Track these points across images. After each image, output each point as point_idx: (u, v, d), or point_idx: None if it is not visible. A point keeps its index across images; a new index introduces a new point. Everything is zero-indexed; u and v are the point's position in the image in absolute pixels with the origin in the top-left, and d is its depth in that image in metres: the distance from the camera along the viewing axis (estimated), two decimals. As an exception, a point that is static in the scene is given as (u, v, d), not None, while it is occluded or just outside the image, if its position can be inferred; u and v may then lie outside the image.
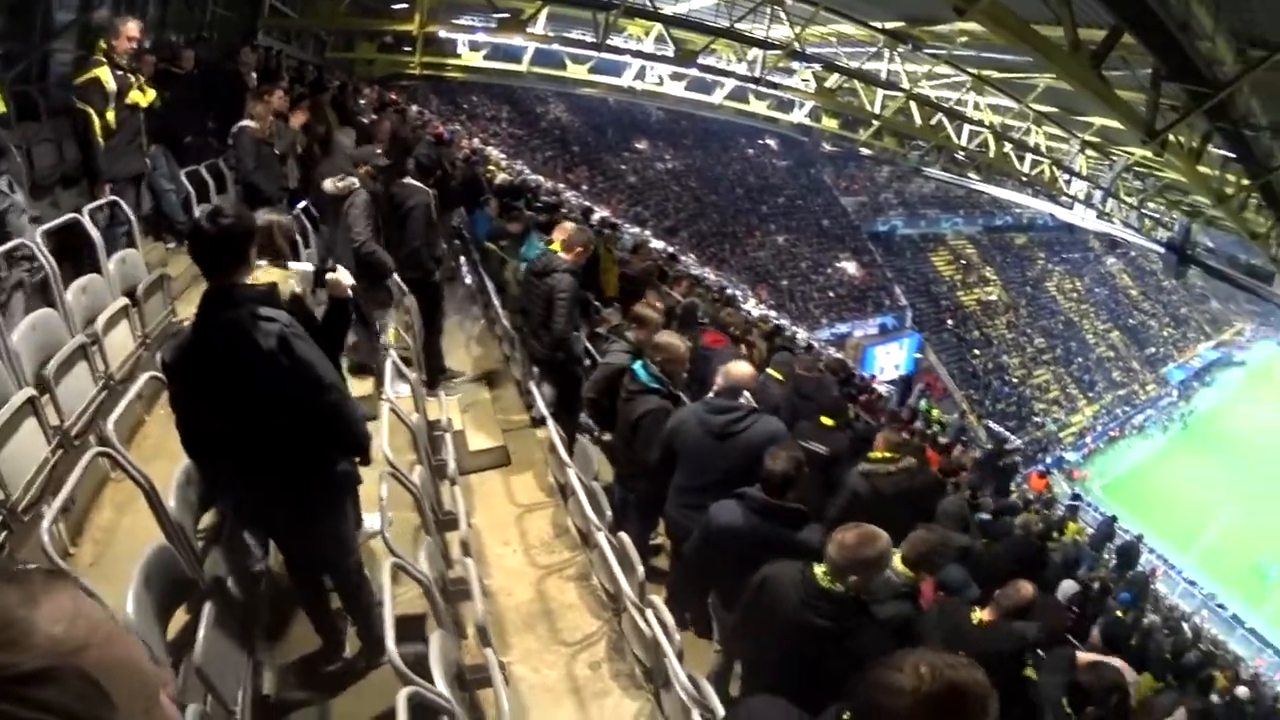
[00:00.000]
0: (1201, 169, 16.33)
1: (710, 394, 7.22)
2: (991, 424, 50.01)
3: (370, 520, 5.86)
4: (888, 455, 8.62)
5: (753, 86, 31.35)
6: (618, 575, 6.08)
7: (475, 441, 9.27)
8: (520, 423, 10.11)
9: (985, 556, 10.03)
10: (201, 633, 4.14)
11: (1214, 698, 15.71)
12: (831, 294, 53.07)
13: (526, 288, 9.63)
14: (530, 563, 7.67)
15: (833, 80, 29.11)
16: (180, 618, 4.67)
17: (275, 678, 5.45)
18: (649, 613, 5.62)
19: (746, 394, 7.23)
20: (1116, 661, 7.33)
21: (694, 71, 31.33)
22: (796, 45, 25.88)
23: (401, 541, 5.46)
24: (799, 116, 38.02)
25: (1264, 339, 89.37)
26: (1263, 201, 20.56)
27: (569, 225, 10.89)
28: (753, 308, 35.95)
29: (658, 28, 27.41)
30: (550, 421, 8.23)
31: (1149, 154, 20.23)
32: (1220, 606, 40.97)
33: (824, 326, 49.71)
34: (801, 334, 38.52)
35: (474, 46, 33.01)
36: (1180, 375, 72.45)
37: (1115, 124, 19.94)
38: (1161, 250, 30.89)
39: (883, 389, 36.08)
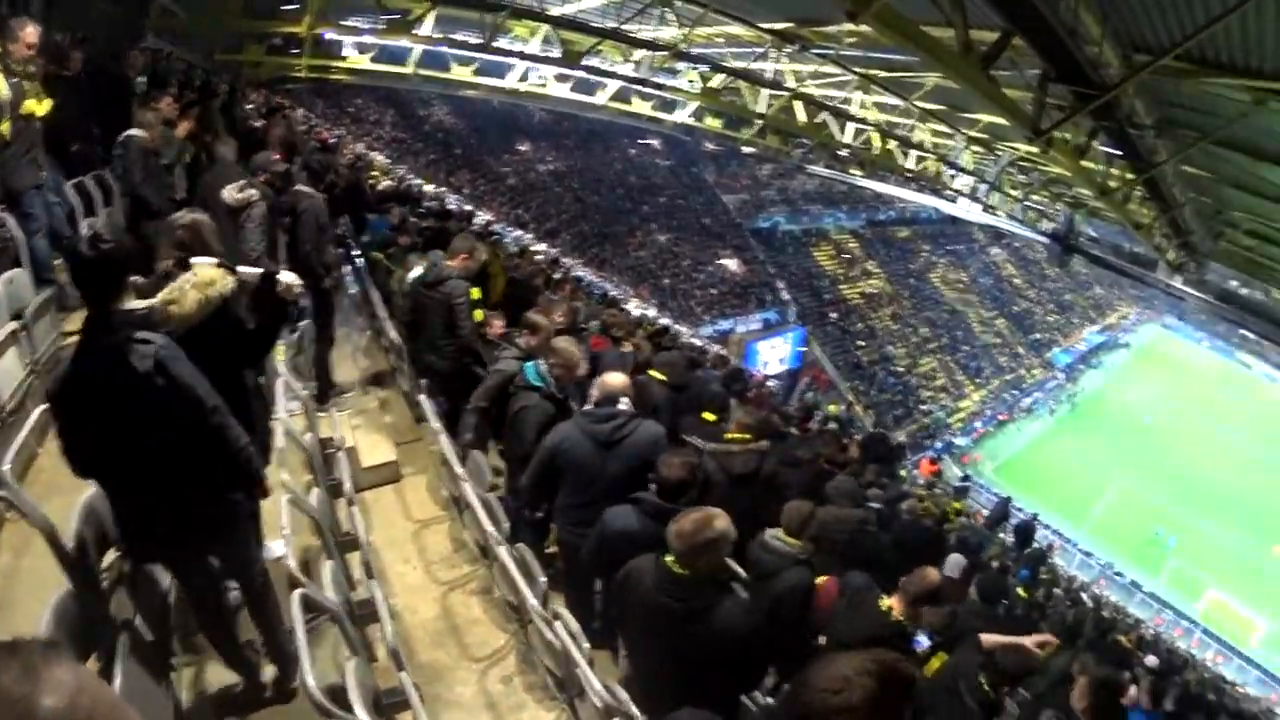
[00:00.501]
0: (1086, 164, 16.58)
1: (589, 405, 7.35)
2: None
3: (272, 547, 5.77)
4: (738, 436, 8.85)
5: (637, 87, 31.29)
6: (521, 587, 6.08)
7: (367, 457, 9.11)
8: (410, 436, 10.07)
9: (879, 546, 10.09)
10: (118, 679, 4.04)
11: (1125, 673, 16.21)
12: (714, 291, 53.51)
13: (416, 301, 9.58)
14: (432, 579, 7.69)
15: (717, 80, 29.05)
16: (91, 664, 4.51)
17: (194, 714, 5.34)
18: (556, 624, 5.65)
19: (625, 400, 7.25)
20: (1030, 641, 7.45)
21: (579, 73, 31.06)
22: (683, 46, 25.88)
23: (302, 565, 5.46)
24: (682, 116, 37.68)
25: (1148, 322, 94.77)
26: (1146, 194, 21.18)
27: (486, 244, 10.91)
28: (635, 308, 35.98)
29: (545, 29, 27.25)
30: (443, 435, 8.15)
31: (1034, 150, 20.60)
32: (1118, 574, 43.57)
33: (707, 324, 50.06)
34: (685, 332, 38.82)
35: (361, 49, 32.46)
36: (1066, 359, 75.38)
37: (1001, 121, 20.16)
38: (1046, 240, 31.40)
39: (773, 384, 36.30)
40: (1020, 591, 15.47)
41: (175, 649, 5.57)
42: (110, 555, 5.29)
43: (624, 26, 25.73)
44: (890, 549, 10.19)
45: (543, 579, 6.17)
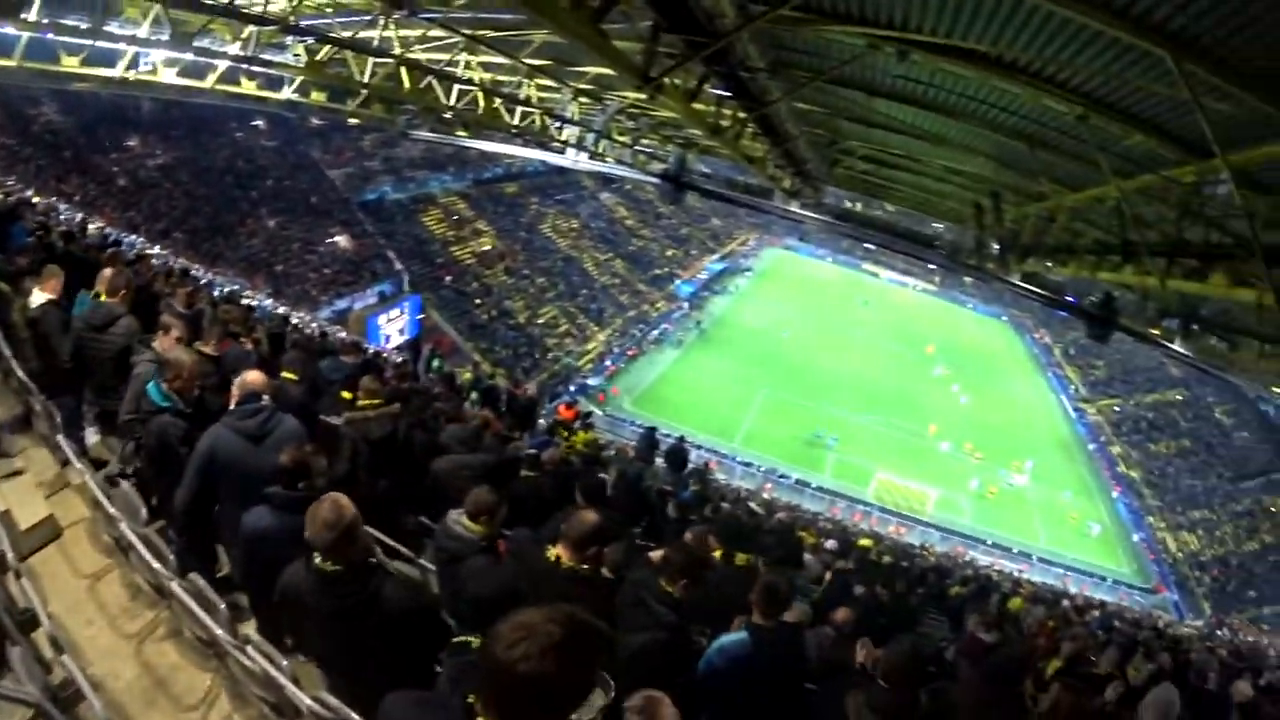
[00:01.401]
0: (697, 106, 16.85)
1: (232, 406, 7.35)
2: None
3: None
4: (369, 402, 9.62)
5: (245, 66, 30.26)
6: (205, 621, 5.94)
7: (23, 518, 8.21)
8: (60, 484, 9.29)
9: (532, 495, 10.47)
10: None
11: (807, 556, 16.94)
12: (327, 271, 52.86)
13: (81, 346, 9.17)
14: (120, 635, 7.23)
15: (324, 52, 28.34)
16: None
17: None
18: (249, 649, 5.56)
19: (265, 396, 7.43)
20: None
21: (188, 55, 29.58)
22: (292, 19, 25.12)
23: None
24: (288, 93, 36.64)
25: (770, 246, 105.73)
26: (759, 131, 22.19)
27: (108, 272, 10.47)
28: (252, 299, 35.27)
29: (156, 8, 25.85)
30: (89, 476, 7.83)
31: (643, 97, 20.97)
32: (783, 477, 48.54)
33: (324, 305, 49.60)
34: (304, 319, 38.25)
35: (-35, 45, 29.85)
36: (689, 289, 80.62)
37: (610, 72, 20.38)
38: (657, 181, 31.99)
39: (398, 358, 36.25)
40: (673, 511, 15.91)
41: None
42: None
43: (235, 2, 24.83)
44: (551, 495, 10.60)
45: (223, 606, 6.04)
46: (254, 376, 7.48)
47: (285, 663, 5.40)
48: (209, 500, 7.11)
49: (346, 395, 10.97)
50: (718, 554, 9.38)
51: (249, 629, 6.05)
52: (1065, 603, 29.53)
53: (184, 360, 7.83)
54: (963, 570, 32.39)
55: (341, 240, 55.60)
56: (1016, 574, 42.04)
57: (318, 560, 5.20)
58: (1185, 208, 13.95)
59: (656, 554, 7.43)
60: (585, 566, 6.51)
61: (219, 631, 5.81)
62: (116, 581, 7.84)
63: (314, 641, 5.81)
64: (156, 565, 6.47)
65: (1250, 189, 11.43)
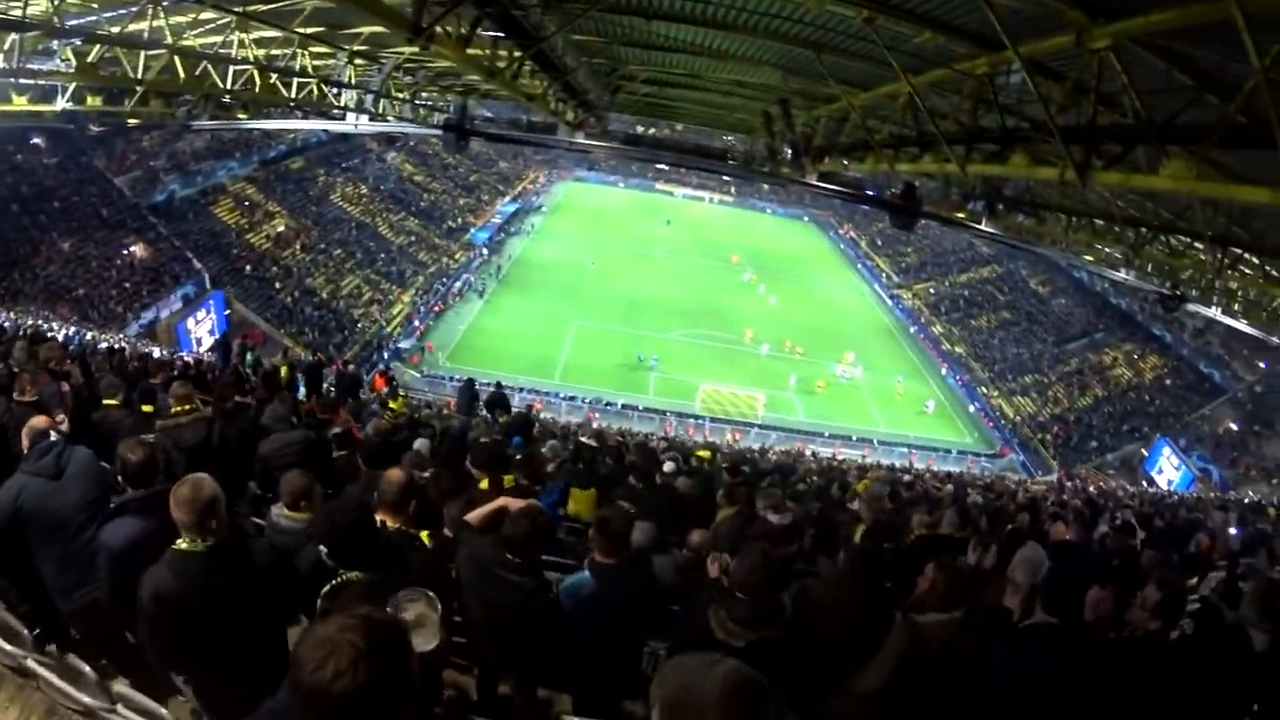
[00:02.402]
0: (472, 51, 16.69)
1: (26, 452, 6.97)
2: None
3: None
4: (180, 409, 9.44)
5: (13, 80, 28.82)
6: (74, 693, 5.55)
7: None
8: None
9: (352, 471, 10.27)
10: None
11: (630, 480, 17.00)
12: (128, 285, 49.71)
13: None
14: (-4, 737, 6.89)
15: (95, 53, 27.14)
16: None
17: None
18: (120, 708, 5.28)
19: (53, 433, 7.14)
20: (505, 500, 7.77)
21: (-49, 78, 27.95)
22: (56, 20, 23.83)
23: None
24: (63, 103, 34.80)
25: (560, 181, 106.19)
26: (536, 68, 22.35)
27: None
28: (59, 331, 33.73)
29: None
30: None
31: (417, 50, 20.74)
32: (608, 405, 49.40)
33: (132, 321, 47.06)
34: (116, 339, 36.73)
35: None
36: (484, 235, 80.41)
37: (383, 29, 20.04)
38: (439, 133, 31.87)
39: (211, 357, 35.18)
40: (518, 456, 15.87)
41: None
42: None
43: (-5, 9, 23.40)
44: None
45: (88, 670, 5.61)
46: (38, 420, 7.24)
47: (165, 711, 5.16)
48: (13, 554, 6.66)
49: (148, 409, 10.78)
50: (484, 485, 9.28)
51: (120, 686, 5.56)
52: (907, 477, 30.64)
53: None
54: (806, 465, 32.90)
55: (138, 249, 52.47)
56: (861, 459, 43.46)
57: (181, 546, 5.10)
58: (979, 97, 14.27)
59: (473, 515, 7.45)
60: (412, 528, 6.61)
61: (89, 701, 5.45)
62: (-22, 678, 7.47)
63: (199, 653, 5.42)
64: (9, 647, 6.01)
65: (1043, 76, 11.85)
